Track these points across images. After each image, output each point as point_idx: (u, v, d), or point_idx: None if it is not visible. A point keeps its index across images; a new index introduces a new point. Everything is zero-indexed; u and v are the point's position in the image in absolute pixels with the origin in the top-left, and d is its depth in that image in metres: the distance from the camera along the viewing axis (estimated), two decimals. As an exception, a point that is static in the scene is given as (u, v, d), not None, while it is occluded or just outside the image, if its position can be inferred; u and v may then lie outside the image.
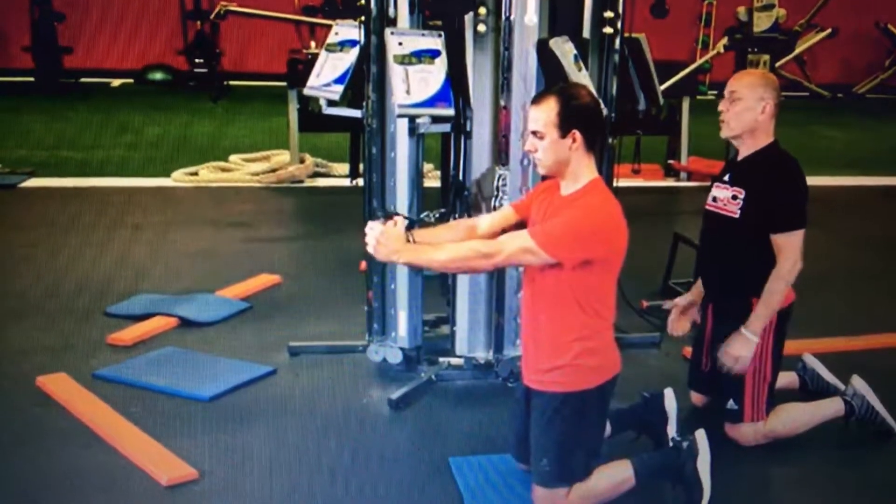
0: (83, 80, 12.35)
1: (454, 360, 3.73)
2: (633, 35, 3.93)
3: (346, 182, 7.11)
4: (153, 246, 5.51)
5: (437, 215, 3.52)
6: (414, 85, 3.29)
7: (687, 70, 8.06)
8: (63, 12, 12.00)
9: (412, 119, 3.39)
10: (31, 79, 11.96)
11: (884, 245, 6.15)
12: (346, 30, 3.76)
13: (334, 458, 3.09)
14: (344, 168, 7.35)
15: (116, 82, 12.85)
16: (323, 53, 3.81)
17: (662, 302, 4.51)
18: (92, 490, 2.86)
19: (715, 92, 11.34)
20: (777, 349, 3.16)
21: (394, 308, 3.74)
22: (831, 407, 3.29)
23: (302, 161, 7.56)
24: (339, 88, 3.67)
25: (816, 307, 4.31)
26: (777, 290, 3.04)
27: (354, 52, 3.65)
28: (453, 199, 3.56)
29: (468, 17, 3.40)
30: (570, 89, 2.70)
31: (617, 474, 2.76)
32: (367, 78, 3.57)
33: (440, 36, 3.41)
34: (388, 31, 3.40)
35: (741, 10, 8.52)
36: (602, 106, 2.86)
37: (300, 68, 7.21)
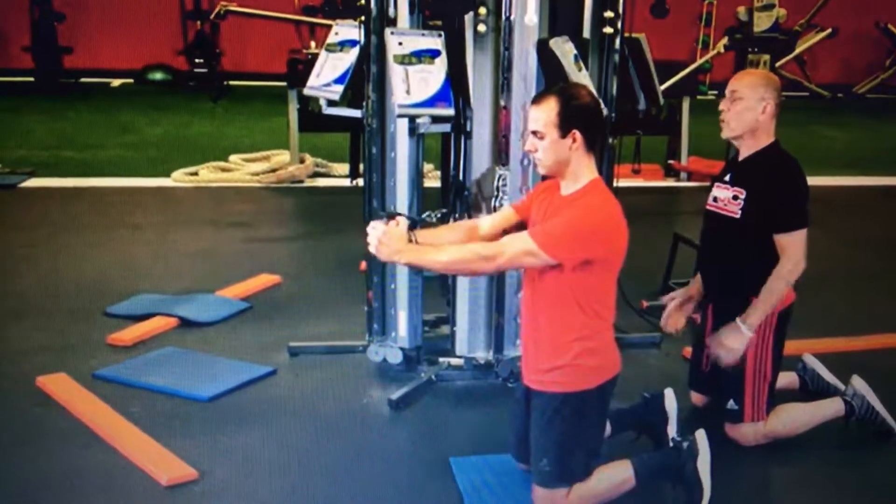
0: (83, 80, 12.35)
1: (454, 361, 3.73)
2: (634, 35, 3.93)
3: (346, 182, 7.11)
4: (153, 246, 5.51)
5: (439, 215, 3.52)
6: (414, 85, 3.29)
7: (687, 70, 8.05)
8: (63, 12, 12.00)
9: (412, 119, 3.39)
10: (31, 79, 11.97)
11: (884, 245, 6.15)
12: (346, 30, 3.76)
13: (334, 458, 3.09)
14: (344, 168, 7.35)
15: (116, 82, 12.85)
16: (323, 53, 3.81)
17: (662, 302, 4.52)
18: (92, 490, 2.86)
19: (715, 92, 11.34)
20: (777, 349, 3.16)
21: (394, 308, 3.74)
22: (831, 407, 3.29)
23: (302, 161, 7.56)
24: (339, 88, 3.67)
25: (816, 307, 4.31)
26: (776, 290, 3.04)
27: (354, 52, 3.65)
28: (453, 199, 3.56)
29: (468, 17, 3.40)
30: (571, 89, 2.70)
31: (617, 474, 2.76)
32: (367, 78, 3.57)
33: (440, 36, 3.41)
34: (388, 31, 3.40)
35: (741, 9, 8.53)
36: (602, 106, 2.86)
37: (300, 68, 7.21)
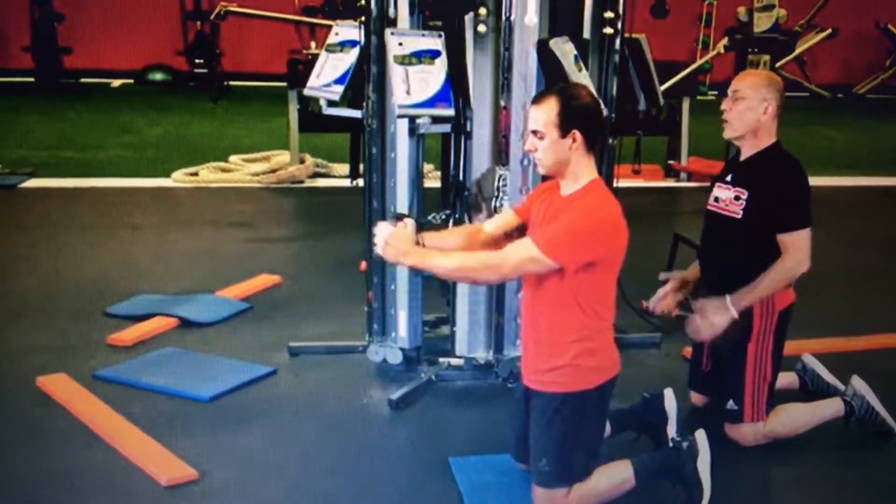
0: (83, 80, 12.35)
1: (454, 361, 3.73)
2: (634, 35, 3.93)
3: (347, 182, 7.11)
4: (153, 246, 5.51)
5: (443, 216, 3.52)
6: (414, 85, 3.29)
7: (687, 70, 8.05)
8: (63, 12, 12.00)
9: (412, 119, 3.39)
10: (31, 79, 11.97)
11: (884, 245, 6.15)
12: (347, 30, 3.76)
13: (334, 458, 3.09)
14: (344, 168, 7.35)
15: (116, 83, 12.85)
16: (323, 54, 3.81)
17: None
18: (92, 490, 2.86)
19: (715, 92, 11.35)
20: (777, 349, 3.16)
21: (394, 308, 3.74)
22: (831, 407, 3.29)
23: (302, 161, 7.56)
24: (340, 89, 3.67)
25: (816, 307, 4.31)
26: (774, 280, 3.03)
27: (354, 52, 3.65)
28: (453, 199, 3.56)
29: (468, 18, 3.41)
30: (571, 89, 2.70)
31: (617, 474, 2.76)
32: (367, 78, 3.57)
33: (440, 36, 3.41)
34: (388, 31, 3.40)
35: (741, 10, 8.52)
36: (602, 106, 2.86)
37: (300, 69, 7.21)
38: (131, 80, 12.78)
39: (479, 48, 3.44)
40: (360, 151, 4.49)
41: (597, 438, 2.76)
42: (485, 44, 3.44)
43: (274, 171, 7.43)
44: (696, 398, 3.46)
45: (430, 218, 3.44)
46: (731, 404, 3.18)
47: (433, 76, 3.33)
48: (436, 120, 3.37)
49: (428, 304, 3.78)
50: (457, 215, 3.53)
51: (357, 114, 3.70)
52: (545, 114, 2.57)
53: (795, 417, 3.23)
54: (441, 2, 3.48)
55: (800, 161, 3.12)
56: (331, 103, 3.73)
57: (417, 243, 2.69)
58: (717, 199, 3.22)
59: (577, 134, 2.56)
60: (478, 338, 3.71)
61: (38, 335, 4.06)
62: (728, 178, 3.19)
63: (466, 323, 3.69)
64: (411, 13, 3.47)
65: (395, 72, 3.31)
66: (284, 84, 7.57)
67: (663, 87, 5.16)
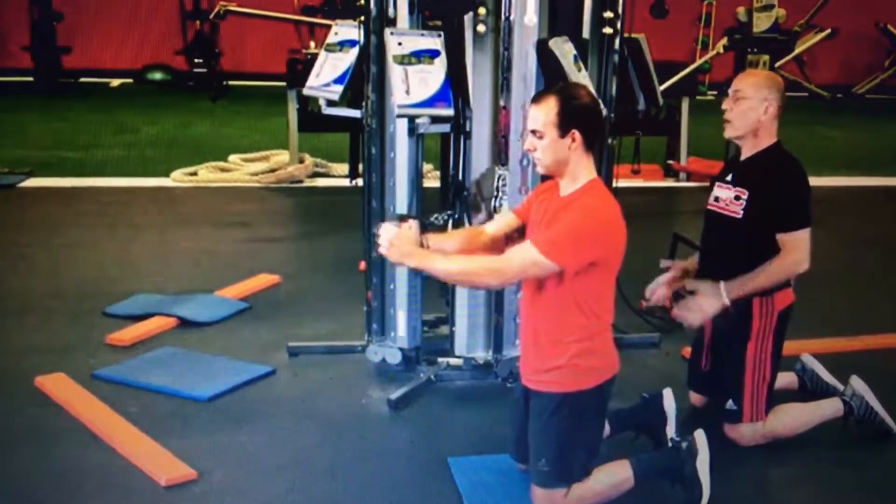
0: (82, 79, 12.36)
1: (453, 361, 3.73)
2: (633, 35, 3.93)
3: (346, 182, 7.12)
4: (152, 246, 5.51)
5: (445, 217, 3.51)
6: (413, 85, 3.29)
7: (686, 70, 8.05)
8: (62, 12, 12.00)
9: (411, 119, 3.39)
10: (30, 78, 11.98)
11: (884, 245, 6.15)
12: (346, 30, 3.75)
13: (333, 458, 3.09)
14: (343, 168, 7.36)
15: (115, 82, 12.85)
16: (322, 53, 3.81)
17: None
18: (91, 490, 2.85)
19: (715, 92, 11.36)
20: (776, 350, 3.16)
21: (393, 308, 3.73)
22: (830, 407, 3.29)
23: (301, 161, 7.56)
24: (339, 88, 3.66)
25: (816, 307, 4.31)
26: (769, 275, 3.02)
27: (354, 52, 3.65)
28: (453, 199, 3.56)
29: (468, 18, 3.40)
30: (570, 89, 2.70)
31: (616, 474, 2.76)
32: (366, 78, 3.57)
33: (440, 36, 3.41)
34: (387, 31, 3.40)
35: (741, 10, 8.52)
36: (601, 106, 2.86)
37: (299, 68, 7.21)
38: (130, 80, 12.78)
39: (479, 48, 3.44)
40: (359, 151, 4.49)
41: (596, 438, 2.76)
42: (484, 43, 3.44)
43: (273, 170, 7.43)
44: (696, 398, 3.46)
45: (432, 219, 3.44)
46: (730, 404, 3.18)
47: (432, 76, 3.33)
48: (435, 120, 3.37)
49: (427, 303, 3.78)
50: (457, 215, 3.53)
51: (356, 113, 3.70)
52: (544, 113, 2.57)
53: (794, 417, 3.23)
54: (440, 1, 3.48)
55: (800, 161, 3.12)
56: (330, 103, 3.73)
57: (421, 244, 2.68)
58: (717, 199, 3.22)
59: (577, 134, 2.56)
60: (477, 338, 3.71)
61: (36, 335, 4.06)
62: (728, 178, 3.19)
63: (466, 323, 3.69)
64: (411, 13, 3.47)
65: (395, 71, 3.31)
66: (284, 84, 7.57)
67: (662, 87, 5.16)
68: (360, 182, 3.93)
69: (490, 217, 3.49)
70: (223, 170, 7.53)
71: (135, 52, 12.88)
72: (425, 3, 3.47)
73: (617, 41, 3.69)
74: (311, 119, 7.01)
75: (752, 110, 3.08)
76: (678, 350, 4.01)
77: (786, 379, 3.48)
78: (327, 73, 3.73)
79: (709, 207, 3.26)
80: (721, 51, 9.02)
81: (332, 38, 3.81)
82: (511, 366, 3.57)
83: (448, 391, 3.64)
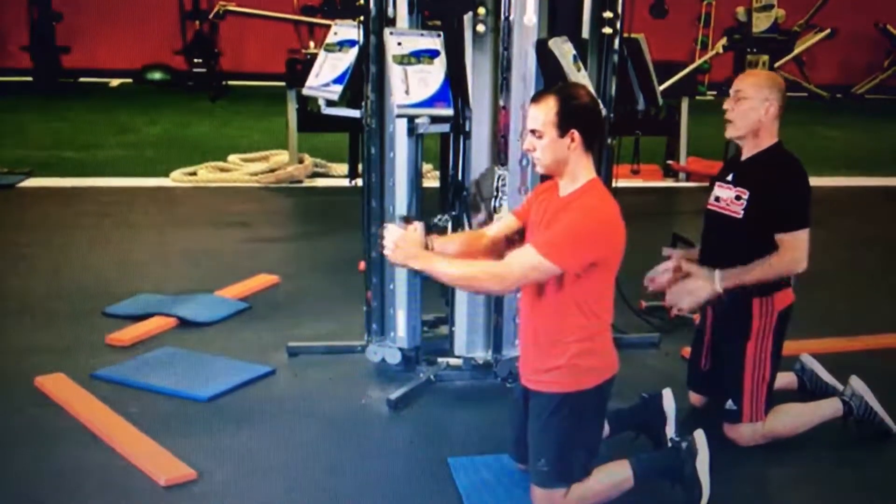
0: (82, 79, 12.35)
1: (453, 361, 3.73)
2: (633, 35, 3.93)
3: (345, 182, 7.11)
4: (152, 246, 5.51)
5: (448, 219, 3.51)
6: (413, 85, 3.29)
7: (686, 70, 8.05)
8: (61, 11, 11.99)
9: (411, 119, 3.39)
10: (30, 78, 11.97)
11: (884, 245, 6.15)
12: (345, 30, 3.75)
13: (333, 458, 3.09)
14: (343, 168, 7.35)
15: (115, 82, 12.85)
16: (322, 53, 3.81)
17: (661, 302, 4.52)
18: (90, 490, 2.86)
19: (714, 92, 11.35)
20: (776, 350, 3.16)
21: (393, 308, 3.73)
22: (830, 407, 3.29)
23: (301, 161, 7.55)
24: (338, 88, 3.66)
25: (816, 307, 4.32)
26: (765, 270, 3.02)
27: (353, 52, 3.65)
28: (452, 199, 3.56)
29: (467, 18, 3.40)
30: (570, 89, 2.70)
31: (615, 474, 2.76)
32: (366, 78, 3.57)
33: (439, 36, 3.41)
34: (387, 31, 3.40)
35: (740, 10, 8.52)
36: (601, 106, 2.86)
37: (299, 68, 7.20)
38: (130, 80, 12.77)
39: (478, 48, 3.44)
40: (358, 151, 4.49)
41: (595, 438, 2.76)
42: (484, 43, 3.44)
43: (273, 170, 7.42)
44: (695, 398, 3.46)
45: (435, 221, 3.44)
46: (729, 404, 3.18)
47: (432, 76, 3.33)
48: (434, 120, 3.37)
49: (427, 304, 3.78)
50: (454, 213, 3.53)
51: (356, 113, 3.70)
52: (544, 113, 2.57)
53: (794, 417, 3.23)
54: (440, 1, 3.48)
55: (800, 161, 3.12)
56: (329, 103, 3.73)
57: (426, 246, 2.68)
58: (717, 199, 3.22)
59: (576, 133, 2.56)
60: (476, 338, 3.71)
61: (36, 335, 4.06)
62: (729, 178, 3.19)
63: (465, 323, 3.69)
64: (410, 13, 3.47)
65: (394, 71, 3.31)
66: (283, 84, 7.56)
67: (662, 87, 5.16)
68: (359, 182, 3.93)
69: (490, 217, 3.49)
70: (223, 170, 7.53)
71: (134, 52, 12.87)
72: (425, 3, 3.47)
73: (616, 41, 3.69)
74: (311, 119, 7.00)
75: (753, 110, 3.08)
76: (678, 350, 4.01)
77: (785, 379, 3.48)
78: (327, 73, 3.72)
79: (709, 207, 3.26)
80: (720, 51, 9.02)
81: (331, 38, 3.81)
82: (511, 366, 3.57)
83: (448, 391, 3.64)
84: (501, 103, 3.44)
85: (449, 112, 3.33)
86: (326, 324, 4.23)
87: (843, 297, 4.95)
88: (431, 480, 2.97)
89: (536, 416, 2.69)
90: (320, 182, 7.52)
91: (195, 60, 12.32)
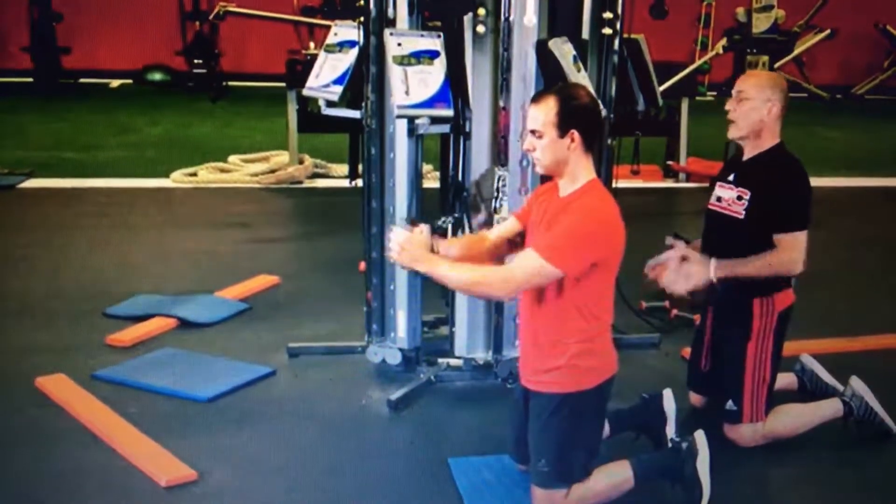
0: (82, 80, 12.35)
1: (453, 361, 3.73)
2: (633, 36, 3.93)
3: (346, 183, 7.08)
4: (152, 247, 5.51)
5: (451, 221, 3.51)
6: (413, 86, 3.29)
7: (686, 71, 8.05)
8: (61, 12, 11.99)
9: (411, 120, 3.39)
10: (30, 79, 11.96)
11: (884, 245, 6.15)
12: (345, 30, 3.76)
13: (333, 458, 3.09)
14: (343, 169, 7.34)
15: (115, 83, 12.84)
16: (322, 54, 3.81)
17: (662, 303, 4.53)
18: (91, 490, 2.86)
19: (714, 93, 11.35)
20: (777, 350, 3.16)
21: (393, 309, 3.74)
22: (830, 408, 3.29)
23: (301, 162, 7.55)
24: (339, 89, 3.67)
25: (816, 307, 4.32)
26: (760, 266, 3.03)
27: (353, 52, 3.65)
28: (452, 200, 3.56)
29: (467, 18, 3.41)
30: (570, 89, 2.70)
31: (616, 475, 2.76)
32: (366, 79, 3.57)
33: (439, 37, 3.41)
34: (387, 31, 3.40)
35: (740, 11, 8.52)
36: (601, 107, 2.86)
37: (299, 69, 7.20)
38: (130, 81, 12.77)
39: (478, 49, 3.44)
40: (359, 152, 4.49)
41: (595, 439, 2.76)
42: (484, 44, 3.44)
43: (273, 171, 7.42)
44: (695, 398, 3.46)
45: (440, 223, 3.45)
46: (730, 404, 3.18)
47: (432, 76, 3.33)
48: (435, 120, 3.37)
49: (427, 304, 3.78)
50: (456, 216, 3.53)
51: (356, 114, 3.70)
52: (544, 113, 2.57)
53: (794, 418, 3.24)
54: (440, 2, 3.48)
55: (802, 163, 3.12)
56: (330, 104, 3.73)
57: (432, 249, 2.69)
58: (719, 199, 3.22)
59: (576, 134, 2.56)
60: (477, 338, 3.71)
61: (37, 335, 4.06)
62: (731, 178, 3.19)
63: (465, 323, 3.69)
64: (410, 13, 3.47)
65: (394, 72, 3.31)
66: (283, 84, 7.56)
67: (662, 88, 5.16)
68: (359, 183, 3.92)
69: (490, 217, 3.49)
70: (223, 170, 7.53)
71: (135, 53, 12.86)
72: (425, 4, 3.47)
73: (616, 42, 3.70)
74: (311, 120, 6.99)
75: (755, 110, 3.08)
76: (678, 350, 4.01)
77: (785, 379, 3.48)
78: (327, 74, 3.73)
79: (710, 207, 3.26)
80: (720, 51, 9.02)
81: (331, 39, 3.81)
82: (511, 366, 3.57)
83: (448, 392, 3.64)
84: (501, 104, 3.45)
85: (449, 113, 3.33)
86: (327, 324, 4.23)
87: (843, 297, 4.95)
88: (432, 481, 2.97)
89: (536, 417, 2.69)
90: (320, 183, 7.52)
91: (195, 61, 12.31)
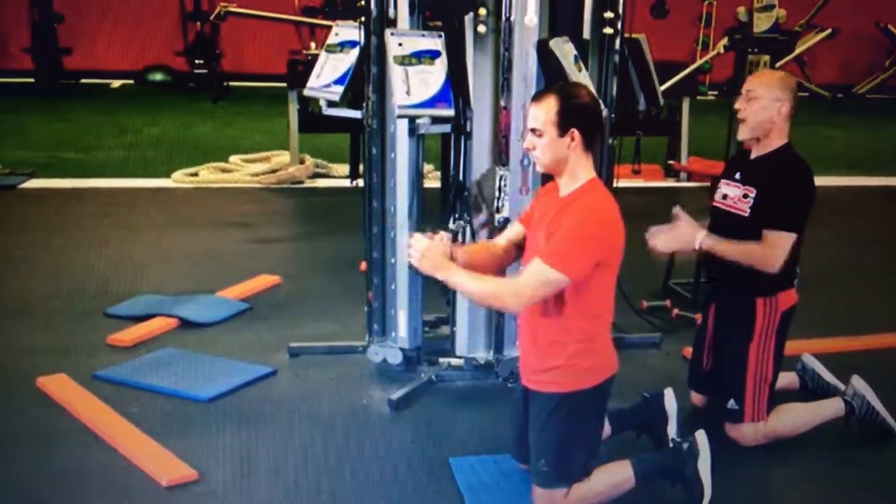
0: (83, 81, 12.36)
1: (454, 361, 3.73)
2: (633, 35, 3.93)
3: (346, 183, 7.09)
4: (153, 247, 5.51)
5: (463, 223, 3.51)
6: (414, 86, 3.29)
7: (687, 70, 8.05)
8: (62, 13, 12.00)
9: (412, 120, 3.39)
10: (31, 80, 11.97)
11: (884, 245, 6.15)
12: (346, 31, 3.76)
13: (334, 458, 3.09)
14: (344, 169, 7.35)
15: (116, 83, 12.85)
16: (323, 54, 3.81)
17: (663, 302, 4.53)
18: (92, 490, 2.86)
19: (715, 92, 11.34)
20: (778, 350, 3.16)
21: (394, 308, 3.74)
22: (831, 407, 3.29)
23: (302, 162, 7.56)
24: (339, 89, 3.67)
25: (818, 306, 4.31)
26: (741, 251, 3.04)
27: (354, 52, 3.65)
28: (453, 199, 3.56)
29: (468, 18, 3.40)
30: (570, 88, 2.71)
31: (616, 475, 2.76)
32: (367, 79, 3.57)
33: (440, 37, 3.41)
34: (388, 31, 3.40)
35: (741, 10, 8.51)
36: (601, 106, 2.86)
37: (300, 69, 7.21)
38: (131, 81, 12.78)
39: (479, 48, 3.44)
40: (359, 152, 4.50)
41: (595, 438, 2.76)
42: (485, 44, 3.44)
43: (274, 171, 7.43)
44: (697, 398, 3.46)
45: (452, 227, 3.45)
46: (731, 404, 3.18)
47: (433, 76, 3.33)
48: (436, 120, 3.37)
49: (428, 304, 3.78)
50: (457, 216, 3.53)
51: (357, 114, 3.70)
52: (544, 112, 2.57)
53: (796, 417, 3.23)
54: (441, 2, 3.48)
55: (809, 166, 3.11)
56: (331, 104, 3.73)
57: (451, 257, 2.69)
58: (724, 197, 3.21)
59: (576, 133, 2.57)
60: (478, 338, 3.71)
61: (38, 335, 4.06)
62: (737, 176, 3.18)
63: (466, 323, 3.69)
64: (411, 13, 3.47)
65: (395, 72, 3.31)
66: (284, 84, 7.57)
67: (663, 88, 5.16)
68: (360, 183, 3.93)
69: (491, 217, 3.50)
70: (224, 171, 7.53)
71: (135, 54, 12.87)
72: (426, 4, 3.47)
73: (617, 41, 3.70)
74: (312, 120, 7.00)
75: (764, 110, 3.08)
76: (679, 350, 4.01)
77: (787, 379, 3.48)
78: (328, 74, 3.73)
79: (715, 204, 3.26)
80: (721, 51, 9.00)
81: (332, 39, 3.81)
82: (512, 366, 3.57)
83: (449, 391, 3.64)
84: (502, 104, 3.45)
85: (450, 112, 3.33)
86: (327, 324, 4.24)
87: (844, 296, 4.95)
88: (433, 480, 2.97)
89: (536, 416, 2.69)
90: (321, 183, 7.52)
91: (196, 61, 12.32)
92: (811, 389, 3.52)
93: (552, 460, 2.65)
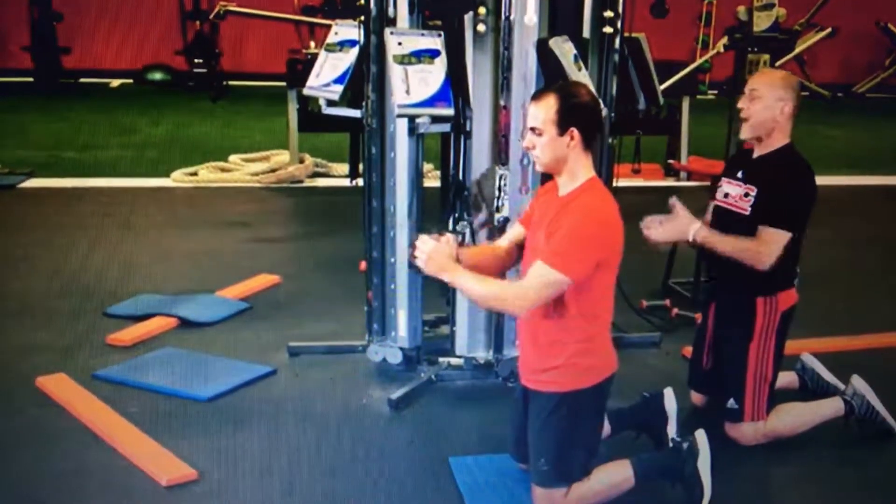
0: (82, 80, 12.36)
1: (454, 361, 3.73)
2: (633, 35, 3.93)
3: (346, 182, 7.10)
4: (153, 246, 5.51)
5: (466, 224, 3.51)
6: (413, 85, 3.29)
7: (687, 70, 8.05)
8: (62, 12, 12.00)
9: (412, 119, 3.39)
10: (31, 79, 11.97)
11: (884, 244, 6.15)
12: (346, 30, 3.75)
13: (334, 458, 3.09)
14: (343, 168, 7.35)
15: (116, 82, 12.85)
16: (322, 53, 3.81)
17: (663, 301, 4.53)
18: (92, 490, 2.86)
19: (715, 92, 11.34)
20: (778, 349, 3.16)
21: (394, 308, 3.73)
22: (831, 406, 3.29)
23: (301, 161, 7.56)
24: (339, 88, 3.66)
25: (817, 306, 4.31)
26: (733, 246, 3.04)
27: (354, 52, 3.65)
28: (453, 199, 3.56)
29: (468, 17, 3.40)
30: (570, 87, 2.71)
31: (616, 474, 2.75)
32: (366, 78, 3.56)
33: (440, 36, 3.40)
34: (387, 30, 3.40)
35: (741, 9, 8.50)
36: (601, 105, 2.86)
37: (300, 68, 7.21)
38: (130, 80, 12.78)
39: (479, 47, 3.43)
40: (359, 151, 4.50)
41: (595, 438, 2.76)
42: (484, 43, 3.43)
43: (273, 170, 7.43)
44: (696, 397, 3.46)
45: (457, 228, 3.45)
46: (731, 403, 3.18)
47: (433, 76, 3.33)
48: (435, 119, 3.37)
49: (428, 303, 3.78)
50: (458, 215, 3.53)
51: (356, 113, 3.70)
52: (544, 111, 2.57)
53: (795, 416, 3.23)
54: (440, 1, 3.47)
55: (811, 167, 3.11)
56: (330, 103, 3.73)
57: (457, 259, 2.69)
58: (726, 195, 3.21)
59: (575, 132, 2.57)
60: (478, 337, 3.71)
61: (37, 335, 4.06)
62: (739, 175, 3.18)
63: (466, 323, 3.69)
64: (411, 12, 3.47)
65: (395, 71, 3.30)
66: (284, 84, 7.56)
67: (663, 87, 5.15)
68: (360, 182, 3.93)
69: (491, 217, 3.49)
70: (223, 170, 7.53)
71: (135, 53, 12.87)
72: (425, 3, 3.47)
73: (617, 40, 3.69)
74: (312, 119, 7.00)
75: (767, 109, 3.08)
76: (679, 349, 4.01)
77: (786, 378, 3.48)
78: (327, 73, 3.72)
79: (716, 203, 3.26)
80: (721, 50, 9.00)
81: (332, 38, 3.81)
82: (512, 365, 3.57)
83: (449, 391, 3.64)
84: (502, 103, 3.44)
85: (449, 112, 3.33)
86: (327, 324, 4.23)
87: (844, 296, 4.94)
88: (433, 480, 2.97)
89: (536, 416, 2.69)
90: (321, 182, 7.52)
91: (196, 61, 12.32)
92: (811, 389, 3.52)
93: (552, 460, 2.65)
